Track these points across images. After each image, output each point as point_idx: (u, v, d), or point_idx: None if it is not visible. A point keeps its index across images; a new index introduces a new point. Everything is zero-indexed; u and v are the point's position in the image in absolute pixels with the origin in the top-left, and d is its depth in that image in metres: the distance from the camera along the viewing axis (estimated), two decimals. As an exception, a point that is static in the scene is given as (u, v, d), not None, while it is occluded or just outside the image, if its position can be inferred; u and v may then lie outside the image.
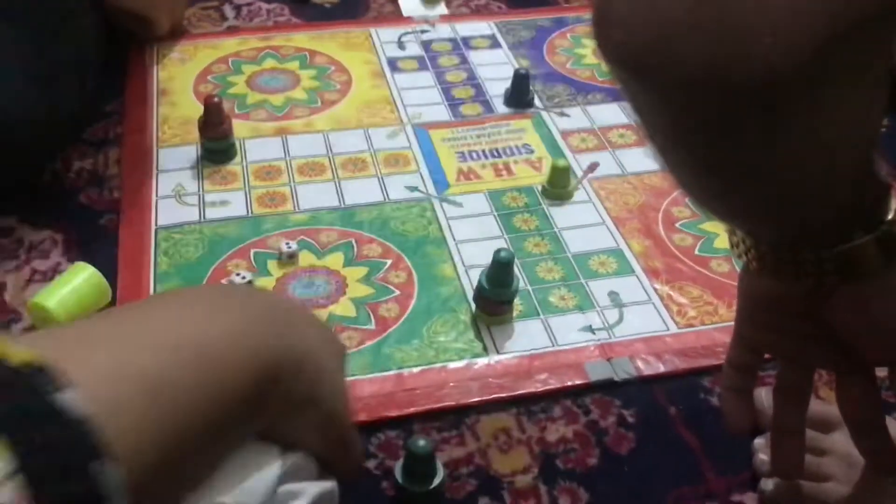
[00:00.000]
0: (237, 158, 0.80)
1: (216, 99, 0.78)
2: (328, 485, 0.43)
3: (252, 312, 0.36)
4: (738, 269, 0.70)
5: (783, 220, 0.38)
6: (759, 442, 0.56)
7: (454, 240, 0.73)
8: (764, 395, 0.56)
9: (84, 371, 0.26)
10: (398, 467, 0.53)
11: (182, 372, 0.30)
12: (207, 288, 0.40)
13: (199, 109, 0.80)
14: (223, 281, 0.68)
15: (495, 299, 0.65)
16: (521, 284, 0.67)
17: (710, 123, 0.31)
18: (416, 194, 0.78)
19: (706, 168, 0.35)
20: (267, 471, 0.39)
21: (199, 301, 0.36)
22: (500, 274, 0.64)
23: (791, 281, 0.40)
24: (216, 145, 0.80)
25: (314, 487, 0.42)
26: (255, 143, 0.82)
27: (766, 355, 0.50)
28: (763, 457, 0.55)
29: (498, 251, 0.63)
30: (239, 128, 0.83)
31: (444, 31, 1.01)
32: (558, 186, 0.78)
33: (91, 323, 0.33)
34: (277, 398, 0.36)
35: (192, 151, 0.81)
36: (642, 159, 0.82)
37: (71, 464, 0.25)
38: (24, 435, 0.24)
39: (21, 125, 0.68)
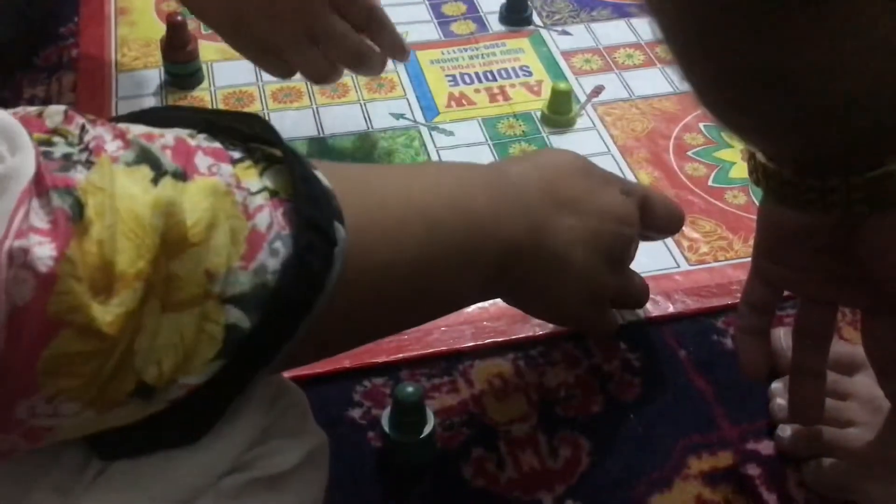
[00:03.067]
0: (204, 84, 0.79)
1: (180, 18, 0.76)
2: (319, 439, 0.43)
3: (519, 190, 0.47)
4: (756, 200, 0.69)
5: (813, 136, 0.37)
6: (776, 386, 0.56)
7: (445, 172, 0.72)
8: (783, 336, 0.56)
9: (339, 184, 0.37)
10: (385, 416, 0.53)
11: (435, 225, 0.41)
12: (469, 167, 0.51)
13: (161, 30, 0.78)
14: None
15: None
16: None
17: (739, 19, 0.30)
18: (403, 122, 0.76)
19: (734, 75, 0.34)
20: (248, 419, 0.38)
21: (459, 175, 0.47)
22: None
23: (816, 211, 0.40)
24: (181, 69, 0.78)
25: (304, 442, 0.41)
26: (224, 67, 0.80)
27: (786, 293, 0.49)
28: (781, 402, 0.55)
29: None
30: (205, 50, 0.81)
31: (432, -59, 0.98)
32: (559, 112, 0.76)
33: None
34: (502, 280, 0.47)
35: (154, 76, 0.79)
36: (652, 81, 0.81)
37: (320, 201, 0.35)
38: (289, 173, 0.34)
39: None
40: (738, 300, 0.60)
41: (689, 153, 0.74)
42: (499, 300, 0.62)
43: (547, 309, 0.54)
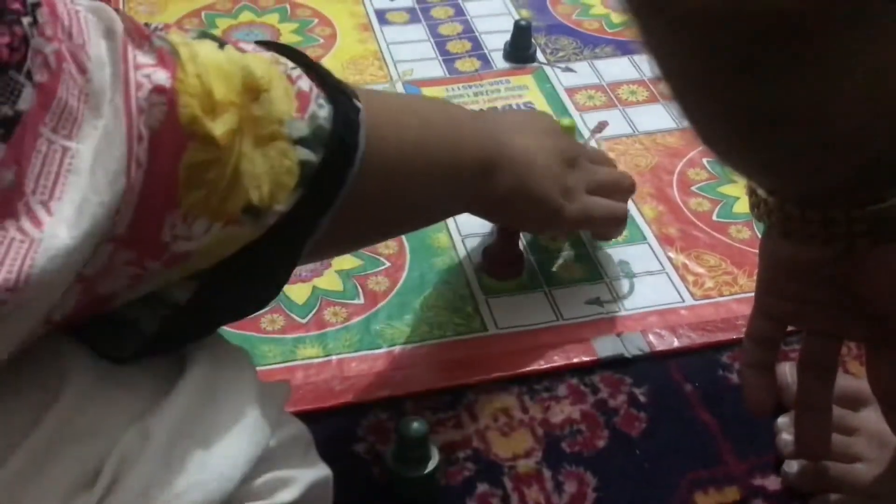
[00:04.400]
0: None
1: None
2: (321, 473, 0.43)
3: (485, 122, 0.58)
4: (759, 233, 0.69)
5: (811, 173, 0.37)
6: (782, 421, 0.56)
7: (449, 206, 0.72)
8: (788, 371, 0.56)
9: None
10: (389, 452, 0.53)
11: (427, 122, 0.51)
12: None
13: None
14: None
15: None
16: (524, 253, 0.67)
17: (731, 60, 0.31)
18: (408, 158, 0.77)
19: (729, 113, 0.34)
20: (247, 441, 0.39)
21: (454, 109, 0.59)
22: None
23: (818, 244, 0.40)
24: None
25: (307, 475, 0.41)
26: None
27: (790, 327, 0.49)
28: (787, 437, 0.55)
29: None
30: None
31: (437, -21, 0.99)
32: (563, 147, 0.77)
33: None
34: (487, 185, 0.54)
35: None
36: (655, 117, 0.82)
37: (340, 82, 0.43)
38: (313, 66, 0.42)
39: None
40: (743, 335, 0.60)
41: (693, 188, 0.75)
42: (502, 332, 0.63)
43: (526, 206, 0.58)
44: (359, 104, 0.43)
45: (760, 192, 0.42)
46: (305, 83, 0.40)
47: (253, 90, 0.37)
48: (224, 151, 0.35)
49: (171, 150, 0.34)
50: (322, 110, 0.40)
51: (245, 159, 0.37)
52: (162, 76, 0.34)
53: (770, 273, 0.45)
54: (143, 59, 0.34)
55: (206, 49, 0.36)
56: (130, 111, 0.33)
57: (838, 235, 0.38)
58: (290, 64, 0.40)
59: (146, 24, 0.37)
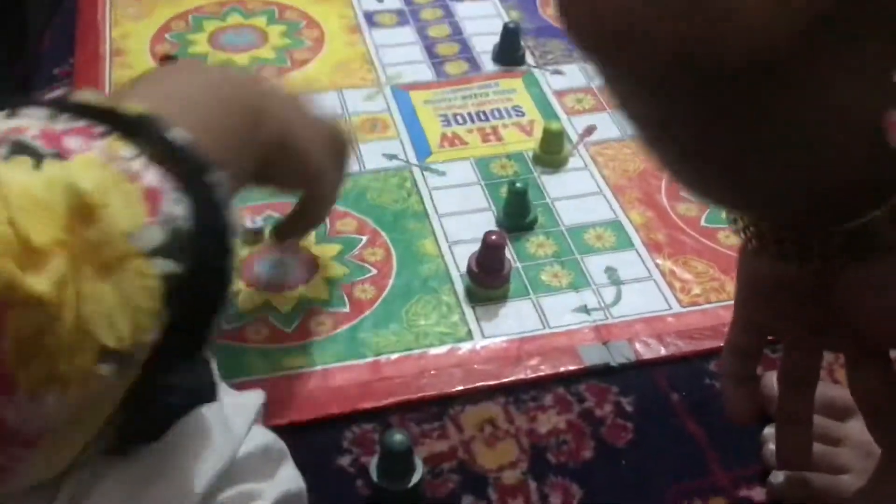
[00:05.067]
0: (198, 125, 0.79)
1: (174, 56, 0.77)
2: (293, 485, 0.43)
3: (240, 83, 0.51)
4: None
5: (780, 205, 0.37)
6: (768, 432, 0.56)
7: (437, 213, 0.72)
8: (773, 381, 0.55)
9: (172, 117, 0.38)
10: (373, 464, 0.53)
11: (215, 109, 0.46)
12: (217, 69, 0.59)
13: (154, 72, 0.79)
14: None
15: (514, 228, 0.70)
16: (510, 261, 0.66)
17: (688, 109, 0.31)
18: (396, 162, 0.77)
19: (690, 155, 0.34)
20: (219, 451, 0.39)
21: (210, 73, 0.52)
22: (517, 203, 0.70)
23: (794, 261, 0.40)
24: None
25: (277, 487, 0.41)
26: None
27: (769, 338, 0.49)
28: (773, 447, 0.54)
29: (512, 182, 0.70)
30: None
31: (426, -20, 0.99)
32: (551, 152, 0.77)
33: (150, 83, 0.45)
34: (260, 135, 0.49)
35: (148, 118, 0.79)
36: (644, 121, 0.81)
37: (194, 165, 0.36)
38: (153, 144, 0.36)
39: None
40: (727, 332, 0.60)
41: (682, 193, 0.75)
42: (489, 342, 0.62)
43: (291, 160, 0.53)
44: (214, 175, 0.37)
45: None
46: (153, 175, 0.34)
47: (84, 213, 0.32)
48: (56, 307, 0.30)
49: None
50: (179, 206, 0.34)
51: (88, 300, 0.31)
52: None
53: (747, 287, 0.45)
54: None
55: (19, 176, 0.31)
56: None
57: (813, 253, 0.38)
58: (130, 152, 0.34)
59: None
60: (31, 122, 0.33)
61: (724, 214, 0.44)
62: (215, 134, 0.43)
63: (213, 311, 0.36)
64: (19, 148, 0.32)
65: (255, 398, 0.46)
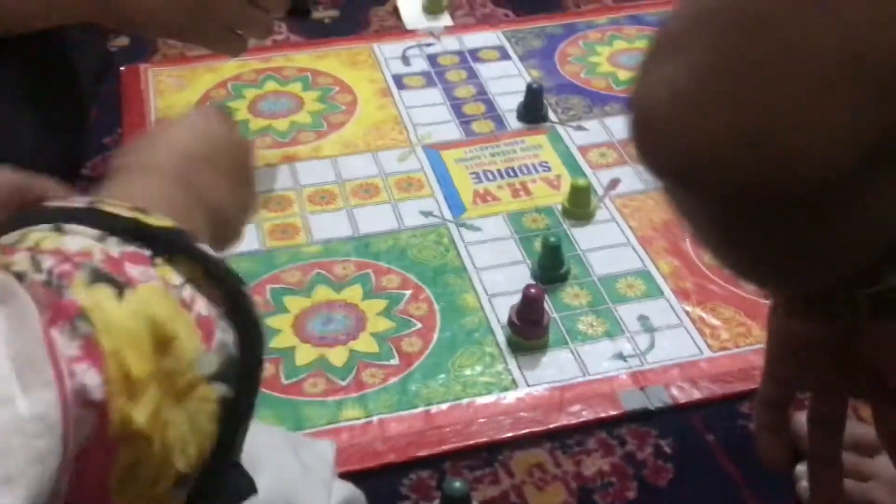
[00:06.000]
0: (244, 189, 0.84)
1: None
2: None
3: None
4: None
5: (818, 283, 0.41)
6: (801, 469, 0.59)
7: (475, 267, 0.77)
8: (804, 420, 0.59)
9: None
10: (434, 509, 0.57)
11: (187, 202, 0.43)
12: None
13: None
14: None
15: (549, 280, 0.74)
16: (548, 312, 0.70)
17: (753, 227, 0.34)
18: (432, 220, 0.81)
19: (749, 259, 0.38)
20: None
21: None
22: (552, 256, 0.73)
23: (824, 322, 0.43)
24: (222, 176, 0.83)
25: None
26: (263, 173, 0.86)
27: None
28: (806, 484, 0.58)
29: (546, 237, 0.74)
30: (244, 157, 0.86)
31: (450, 43, 1.04)
32: (579, 206, 0.81)
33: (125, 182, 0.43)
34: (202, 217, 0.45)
35: (196, 184, 0.84)
36: (665, 174, 0.86)
37: (232, 284, 0.38)
38: (192, 262, 0.37)
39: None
40: (758, 385, 0.63)
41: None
42: (532, 391, 0.66)
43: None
44: (245, 287, 0.38)
45: None
46: (202, 304, 0.36)
47: (162, 342, 0.34)
48: (151, 441, 0.33)
49: (100, 463, 0.32)
50: (227, 335, 0.36)
51: (169, 428, 0.33)
52: (93, 381, 0.31)
53: (778, 344, 0.49)
54: (66, 348, 0.31)
55: (109, 303, 0.33)
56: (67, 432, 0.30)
57: (842, 314, 0.42)
58: (177, 280, 0.36)
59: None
60: (85, 244, 0.35)
61: None
62: (199, 227, 0.43)
63: (247, 419, 0.38)
64: (97, 275, 0.33)
65: (329, 448, 0.50)
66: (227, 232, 0.47)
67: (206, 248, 0.38)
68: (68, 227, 0.35)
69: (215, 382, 0.35)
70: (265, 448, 0.45)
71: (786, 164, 0.31)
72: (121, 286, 0.33)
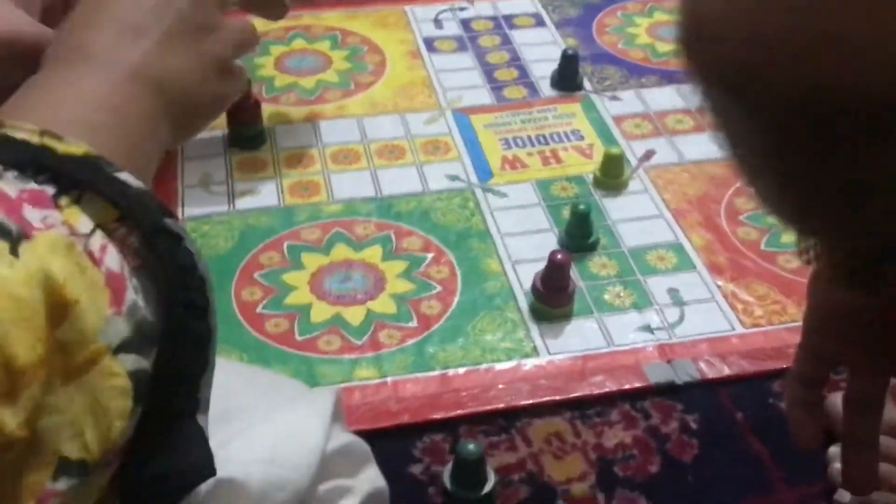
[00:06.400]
0: (266, 145, 0.82)
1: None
2: (379, 484, 0.44)
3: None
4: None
5: (877, 236, 0.38)
6: (833, 451, 0.57)
7: (499, 233, 0.74)
8: (839, 402, 0.56)
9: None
10: (447, 473, 0.54)
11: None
12: None
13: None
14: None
15: (576, 249, 0.71)
16: (574, 280, 0.68)
17: (808, 151, 0.31)
18: (458, 184, 0.79)
19: (803, 189, 0.35)
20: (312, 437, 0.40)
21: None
22: (580, 224, 0.71)
23: (867, 291, 0.41)
24: (244, 131, 0.81)
25: (365, 485, 0.43)
26: (286, 129, 0.84)
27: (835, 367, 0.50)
28: (839, 466, 0.55)
29: (575, 204, 0.72)
30: (267, 112, 0.84)
31: (484, 8, 1.02)
32: (612, 176, 0.78)
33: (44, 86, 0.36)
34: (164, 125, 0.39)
35: (218, 138, 0.82)
36: (702, 146, 0.83)
37: (141, 208, 0.31)
38: (115, 196, 0.30)
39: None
40: (794, 359, 0.61)
41: (741, 217, 0.76)
42: (554, 359, 0.64)
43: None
44: (174, 227, 0.32)
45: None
46: (113, 258, 0.30)
47: (59, 311, 0.27)
48: (18, 443, 0.27)
49: None
50: (143, 294, 0.30)
51: (49, 414, 0.27)
52: None
53: (817, 313, 0.46)
54: None
55: (2, 271, 0.26)
56: None
57: (886, 284, 0.39)
58: (86, 226, 0.30)
59: None
60: None
61: (796, 243, 0.45)
62: (153, 130, 0.37)
63: (196, 378, 0.33)
64: None
65: (328, 395, 0.47)
66: (194, 121, 0.41)
67: (127, 178, 0.31)
68: None
69: (124, 353, 0.29)
70: (249, 398, 0.43)
71: (853, 72, 0.28)
72: (15, 239, 0.27)
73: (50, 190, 0.30)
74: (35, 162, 0.30)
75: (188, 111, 0.40)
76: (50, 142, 0.30)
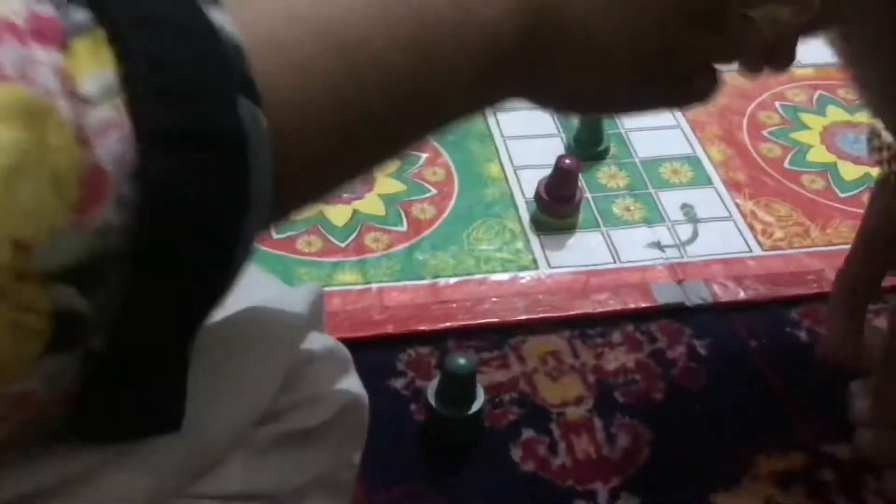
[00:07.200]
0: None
1: None
2: (359, 394, 0.39)
3: None
4: (834, 185, 0.65)
5: None
6: (857, 386, 0.52)
7: (502, 135, 0.68)
8: (872, 332, 0.52)
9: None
10: (432, 388, 0.49)
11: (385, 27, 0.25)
12: None
13: None
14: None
15: (585, 157, 0.64)
16: (581, 190, 0.62)
17: None
18: (459, 81, 0.72)
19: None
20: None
21: None
22: (590, 130, 0.65)
23: None
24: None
25: (341, 394, 0.38)
26: None
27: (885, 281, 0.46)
28: (861, 403, 0.51)
29: None
30: None
31: None
32: (626, 81, 0.72)
33: None
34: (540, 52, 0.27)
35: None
36: (725, 55, 0.76)
37: (210, 88, 0.21)
38: (156, 40, 0.20)
39: None
40: (814, 291, 0.57)
41: (764, 132, 0.70)
42: (554, 273, 0.59)
43: (590, 100, 0.33)
44: (243, 121, 0.22)
45: (885, 135, 0.38)
46: (114, 145, 0.21)
47: None
48: None
49: None
50: (120, 215, 0.21)
51: None
52: None
53: (880, 220, 0.42)
54: None
55: None
56: None
57: None
58: (97, 84, 0.21)
59: None
60: None
61: (869, 143, 0.40)
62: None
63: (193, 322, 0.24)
64: None
65: (307, 289, 0.41)
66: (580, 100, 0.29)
67: (220, 17, 0.21)
68: None
69: (60, 283, 0.21)
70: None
71: None
72: None
73: (73, 19, 0.21)
74: None
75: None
76: None
